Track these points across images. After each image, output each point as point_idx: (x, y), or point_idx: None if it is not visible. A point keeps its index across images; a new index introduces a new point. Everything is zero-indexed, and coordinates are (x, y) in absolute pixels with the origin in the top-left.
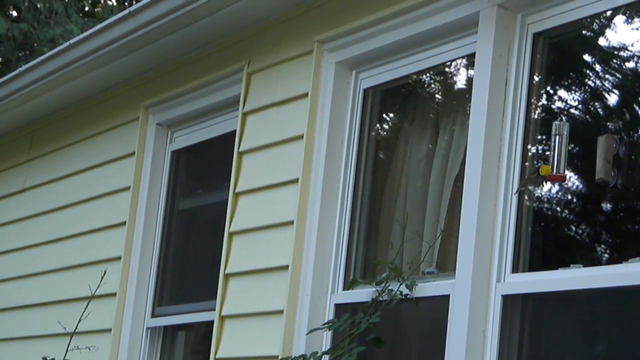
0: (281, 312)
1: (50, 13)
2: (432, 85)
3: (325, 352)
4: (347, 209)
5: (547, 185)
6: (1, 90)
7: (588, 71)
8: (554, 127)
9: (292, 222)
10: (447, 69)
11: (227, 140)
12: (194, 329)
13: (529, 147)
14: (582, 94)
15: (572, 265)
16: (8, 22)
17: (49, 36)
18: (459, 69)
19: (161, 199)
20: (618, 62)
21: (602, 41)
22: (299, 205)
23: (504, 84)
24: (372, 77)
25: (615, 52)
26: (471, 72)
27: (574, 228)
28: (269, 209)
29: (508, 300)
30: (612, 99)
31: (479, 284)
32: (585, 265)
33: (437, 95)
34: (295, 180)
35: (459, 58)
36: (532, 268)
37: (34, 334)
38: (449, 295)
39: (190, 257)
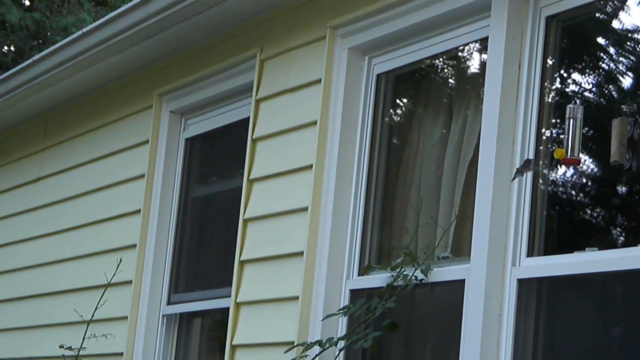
0: (296, 298)
1: (62, 2)
2: (445, 70)
3: (341, 338)
4: (362, 195)
5: (561, 169)
6: (15, 79)
7: (602, 54)
8: (568, 111)
9: (306, 209)
10: (460, 54)
11: (240, 127)
12: (209, 316)
13: (543, 130)
14: (596, 77)
15: (587, 249)
16: (21, 11)
17: (61, 25)
18: (472, 53)
19: (175, 187)
20: (632, 45)
21: (615, 24)
22: (313, 191)
23: (517, 67)
24: (385, 62)
25: (629, 35)
26: (484, 56)
27: (588, 211)
28: (283, 196)
29: (523, 284)
30: (626, 81)
31: (494, 268)
32: (600, 249)
33: (450, 80)
34: (309, 167)
35: (471, 42)
36: (547, 252)
37: (51, 322)
38: (464, 280)
39: (205, 245)
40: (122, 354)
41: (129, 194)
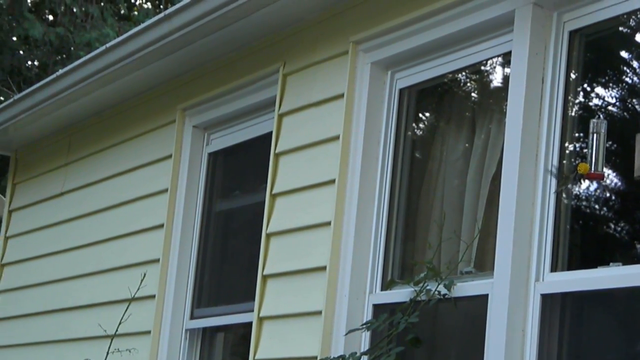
0: (319, 312)
1: (86, 17)
2: (468, 85)
3: (364, 353)
4: (384, 209)
5: (585, 184)
6: (39, 94)
7: (625, 68)
8: (591, 125)
9: (329, 223)
10: (483, 68)
11: (263, 142)
12: (232, 331)
13: (566, 145)
14: (620, 91)
15: (611, 264)
16: (44, 26)
17: (85, 40)
18: (494, 67)
19: (198, 201)
20: None
21: (639, 38)
22: (336, 206)
23: (541, 82)
24: (408, 77)
25: None
26: (507, 70)
27: (612, 226)
28: (306, 210)
29: (547, 300)
30: None
31: (518, 283)
32: (624, 264)
33: (473, 94)
34: (332, 181)
35: (494, 57)
36: (571, 267)
37: (74, 336)
38: (487, 295)
39: (228, 259)
40: None
41: (152, 208)
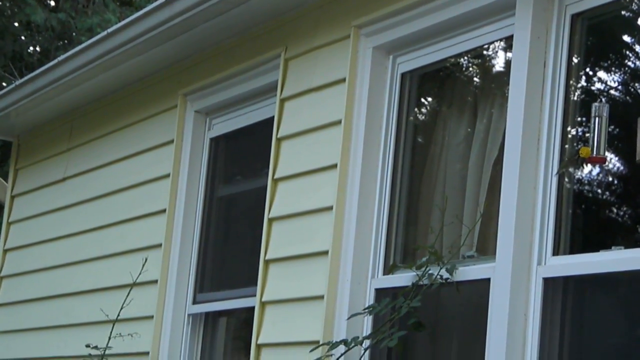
0: (322, 297)
1: (87, 2)
2: (470, 69)
3: (367, 337)
4: (386, 194)
5: (587, 167)
6: (40, 79)
7: (627, 52)
8: (593, 109)
9: (331, 208)
10: (484, 52)
11: (265, 127)
12: (235, 315)
13: (568, 129)
14: (622, 75)
15: (613, 247)
16: (46, 12)
17: (86, 25)
18: (496, 51)
19: (200, 186)
20: None
21: None
22: (338, 190)
23: (543, 66)
24: (410, 61)
25: None
26: (509, 54)
27: (614, 210)
28: (308, 195)
29: (549, 283)
30: None
31: (520, 267)
32: (626, 247)
33: (475, 79)
34: (334, 166)
35: (496, 41)
36: (573, 250)
37: (77, 321)
38: (489, 279)
39: (231, 244)
40: (148, 353)
41: (154, 193)
